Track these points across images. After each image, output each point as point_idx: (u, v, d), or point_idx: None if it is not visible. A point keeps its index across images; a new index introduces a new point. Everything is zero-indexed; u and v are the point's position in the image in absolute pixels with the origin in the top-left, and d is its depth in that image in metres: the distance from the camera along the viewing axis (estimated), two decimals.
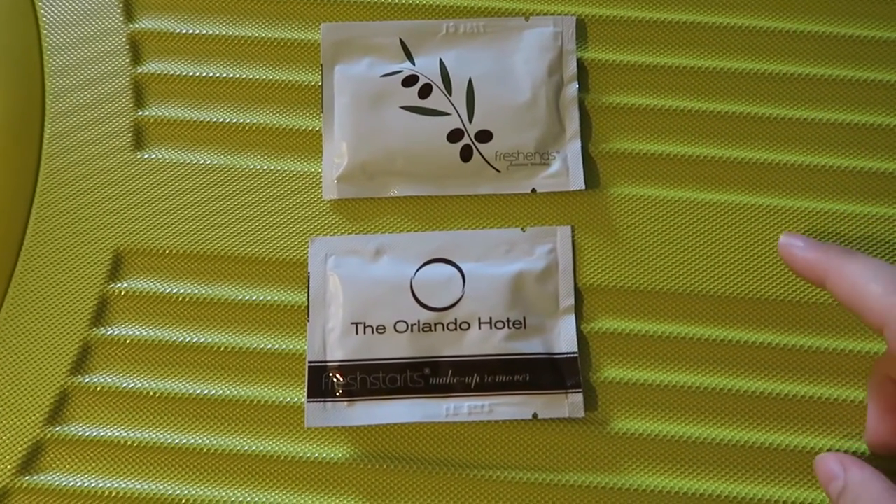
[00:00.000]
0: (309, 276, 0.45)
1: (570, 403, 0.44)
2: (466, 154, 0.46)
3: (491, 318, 0.44)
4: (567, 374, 0.44)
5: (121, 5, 0.49)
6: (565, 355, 0.44)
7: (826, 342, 0.44)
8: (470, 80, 0.46)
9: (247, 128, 0.47)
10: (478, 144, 0.46)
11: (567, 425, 0.43)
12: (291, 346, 0.45)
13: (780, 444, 0.43)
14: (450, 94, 0.46)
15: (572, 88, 0.47)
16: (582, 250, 0.45)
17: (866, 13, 0.48)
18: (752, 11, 0.48)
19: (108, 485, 0.43)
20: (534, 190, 0.46)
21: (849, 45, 0.48)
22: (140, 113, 0.47)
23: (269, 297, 0.45)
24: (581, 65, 0.47)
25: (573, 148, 0.46)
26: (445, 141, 0.46)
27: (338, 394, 0.43)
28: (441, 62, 0.47)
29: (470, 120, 0.46)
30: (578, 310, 0.45)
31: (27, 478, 0.43)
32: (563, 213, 0.46)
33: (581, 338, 0.44)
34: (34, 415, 0.44)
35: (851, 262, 0.38)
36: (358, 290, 0.44)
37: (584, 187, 0.46)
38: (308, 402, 0.43)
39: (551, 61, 0.47)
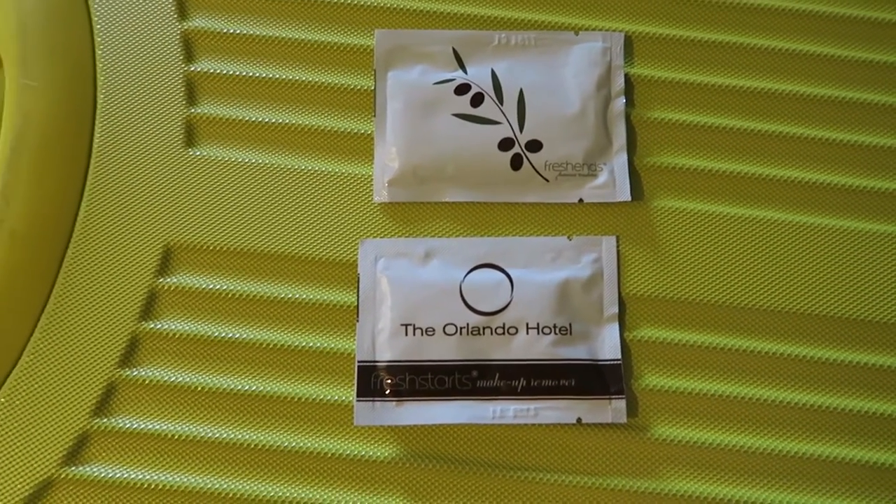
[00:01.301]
0: (359, 278, 0.46)
1: (613, 409, 0.44)
2: (517, 163, 0.46)
3: (538, 324, 0.45)
4: (611, 380, 0.45)
5: (175, 3, 0.49)
6: (609, 362, 0.45)
7: (867, 357, 0.45)
8: (521, 91, 0.47)
9: (298, 129, 0.48)
10: (528, 154, 0.47)
11: (610, 430, 0.44)
12: (340, 346, 0.45)
13: (818, 455, 0.44)
14: (501, 104, 0.47)
15: (619, 103, 0.48)
16: (626, 260, 0.46)
17: None
18: (797, 35, 0.50)
19: (152, 477, 0.43)
20: (581, 200, 0.47)
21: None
22: (192, 110, 0.48)
23: (318, 297, 0.46)
24: (628, 80, 0.49)
25: (620, 160, 0.47)
26: (496, 149, 0.47)
27: (386, 393, 0.44)
28: (493, 72, 0.48)
29: (521, 129, 0.47)
30: (622, 318, 0.46)
31: (72, 468, 0.43)
32: (608, 223, 0.47)
33: (624, 345, 0.45)
34: (81, 406, 0.43)
35: None
36: (407, 293, 0.45)
37: (629, 199, 0.47)
38: (357, 400, 0.44)
39: (600, 76, 0.48)
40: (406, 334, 0.44)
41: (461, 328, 0.44)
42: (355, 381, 0.44)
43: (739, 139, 0.48)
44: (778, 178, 0.48)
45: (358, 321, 0.45)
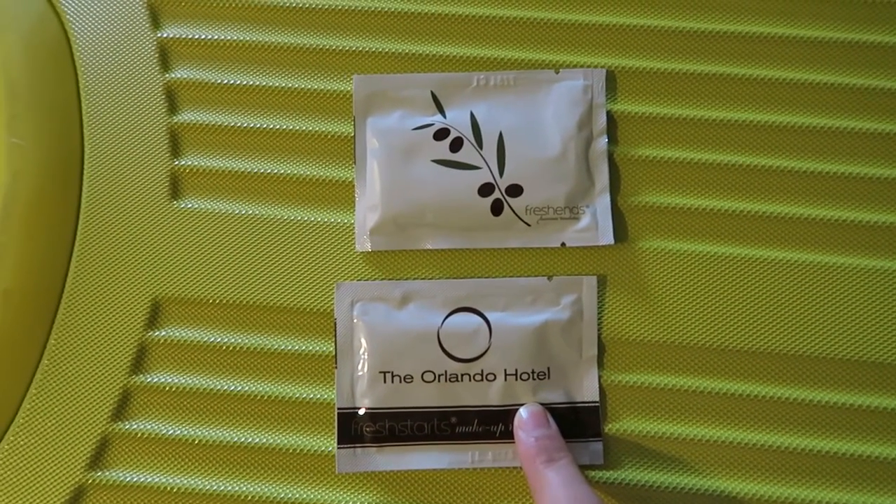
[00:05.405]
0: (336, 323, 0.46)
1: (590, 451, 0.45)
2: (497, 208, 0.46)
3: (517, 370, 0.45)
4: (588, 423, 0.45)
5: (157, 55, 0.50)
6: (587, 404, 0.45)
7: (857, 399, 0.45)
8: (500, 134, 0.47)
9: (281, 178, 0.48)
10: (508, 199, 0.46)
11: (587, 473, 0.45)
12: (324, 395, 0.46)
13: (801, 498, 0.44)
14: (480, 148, 0.47)
15: (602, 142, 0.47)
16: (609, 303, 0.46)
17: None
18: (783, 63, 0.48)
19: None
20: (563, 244, 0.46)
21: (883, 97, 0.48)
22: (176, 162, 0.48)
23: (302, 347, 0.46)
24: (610, 117, 0.48)
25: (602, 202, 0.47)
26: (476, 195, 0.46)
27: (367, 440, 0.45)
28: (472, 115, 0.47)
29: (500, 174, 0.46)
30: (601, 360, 0.46)
31: None
32: (591, 266, 0.47)
33: (602, 388, 0.46)
34: (76, 460, 0.45)
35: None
36: (385, 339, 0.46)
37: (612, 242, 0.46)
38: (339, 448, 0.45)
39: (581, 115, 0.47)
40: (385, 381, 0.45)
41: (439, 375, 0.45)
42: (336, 428, 0.45)
43: (725, 175, 0.47)
44: (766, 215, 0.47)
45: (336, 367, 0.46)
